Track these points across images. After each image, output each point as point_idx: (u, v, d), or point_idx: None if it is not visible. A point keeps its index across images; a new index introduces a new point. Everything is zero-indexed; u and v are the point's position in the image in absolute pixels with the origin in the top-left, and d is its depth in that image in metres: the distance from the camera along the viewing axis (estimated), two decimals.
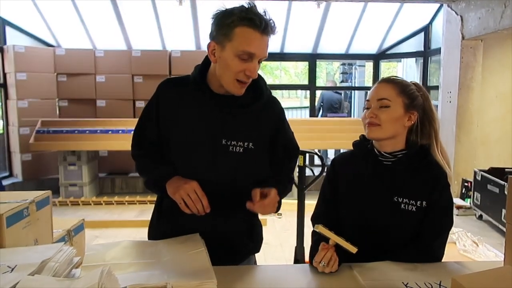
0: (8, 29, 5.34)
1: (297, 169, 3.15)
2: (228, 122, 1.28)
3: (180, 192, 1.19)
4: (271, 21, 1.20)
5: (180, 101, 1.31)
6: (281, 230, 4.11)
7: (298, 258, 2.88)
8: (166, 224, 1.35)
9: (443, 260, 1.32)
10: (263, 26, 1.17)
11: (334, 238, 1.20)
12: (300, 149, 3.06)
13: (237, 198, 1.24)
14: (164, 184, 1.25)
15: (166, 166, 1.30)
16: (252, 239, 1.42)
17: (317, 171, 3.13)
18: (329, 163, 2.16)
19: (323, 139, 5.33)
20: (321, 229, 1.21)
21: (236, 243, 1.36)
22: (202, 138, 1.27)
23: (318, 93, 6.90)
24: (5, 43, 5.27)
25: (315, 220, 1.43)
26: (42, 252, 1.12)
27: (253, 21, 1.16)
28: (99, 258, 1.12)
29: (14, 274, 0.99)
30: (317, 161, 6.31)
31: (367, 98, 1.34)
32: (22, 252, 1.16)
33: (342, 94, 7.41)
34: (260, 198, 1.21)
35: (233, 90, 1.23)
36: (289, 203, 4.75)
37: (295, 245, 2.94)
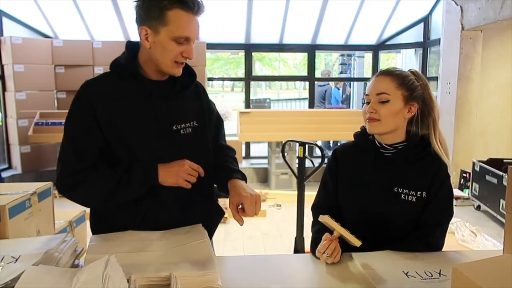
0: (5, 20, 5.29)
1: (297, 160, 3.16)
2: (174, 107, 1.27)
3: (181, 177, 1.20)
4: (201, 1, 1.19)
5: (117, 99, 1.22)
6: (281, 221, 4.13)
7: (298, 249, 2.90)
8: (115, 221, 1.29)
9: (443, 250, 1.34)
10: (196, 8, 1.16)
11: (339, 230, 1.21)
12: (300, 140, 3.08)
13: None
14: (155, 178, 1.19)
15: (134, 164, 1.21)
16: (209, 223, 1.39)
17: (316, 162, 3.14)
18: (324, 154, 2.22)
19: (322, 130, 5.34)
20: (327, 219, 1.22)
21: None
22: (152, 128, 1.24)
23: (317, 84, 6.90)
24: (2, 34, 5.22)
25: (315, 209, 1.44)
26: (45, 243, 1.13)
27: (186, 4, 1.15)
28: (102, 248, 1.12)
29: (18, 264, 1.00)
30: (316, 152, 6.32)
31: (366, 93, 1.33)
32: (25, 242, 1.17)
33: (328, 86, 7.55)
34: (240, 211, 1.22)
35: (173, 72, 1.23)
36: (288, 194, 4.80)
37: (295, 235, 2.96)
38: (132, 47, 1.28)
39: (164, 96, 1.26)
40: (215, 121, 1.44)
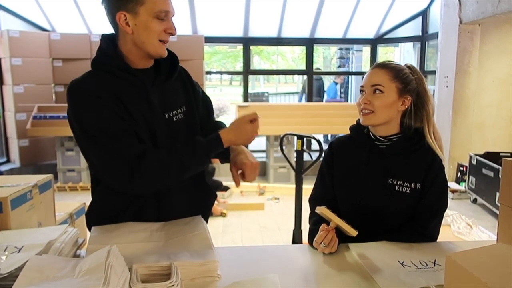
0: (2, 14, 5.27)
1: (295, 154, 3.18)
2: (163, 95, 1.26)
3: (253, 134, 1.26)
4: None
5: (112, 93, 1.17)
6: (279, 214, 4.16)
7: (296, 241, 2.93)
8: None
9: (437, 241, 1.36)
10: None
11: (336, 220, 1.23)
12: (298, 133, 3.09)
13: None
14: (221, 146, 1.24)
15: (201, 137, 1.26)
16: (203, 205, 1.42)
17: (314, 156, 3.16)
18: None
19: (320, 124, 5.36)
20: (324, 210, 1.24)
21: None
22: (149, 118, 1.22)
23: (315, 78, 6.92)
24: None
25: (312, 202, 1.46)
26: (47, 234, 1.15)
27: None
28: (103, 239, 1.14)
29: (21, 254, 1.02)
30: (314, 146, 6.35)
31: (361, 84, 1.35)
32: (28, 233, 1.19)
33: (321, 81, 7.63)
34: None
35: (160, 52, 1.21)
36: (287, 188, 4.82)
37: (293, 228, 2.99)
38: (109, 40, 1.25)
39: (153, 85, 1.24)
40: (203, 101, 1.43)
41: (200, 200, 1.41)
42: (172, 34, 1.21)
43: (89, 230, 1.28)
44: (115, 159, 1.13)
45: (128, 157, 1.13)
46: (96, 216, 1.29)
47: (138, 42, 1.19)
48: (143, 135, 1.20)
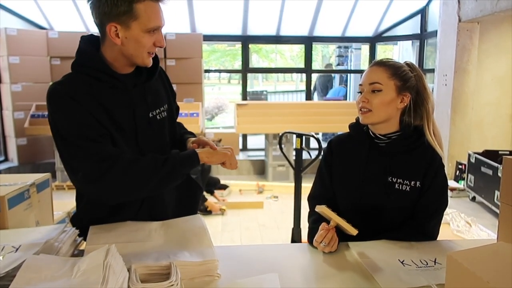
0: None
1: (294, 152, 3.18)
2: (146, 95, 1.27)
3: (226, 156, 1.25)
4: None
5: (95, 96, 1.16)
6: (278, 213, 4.16)
7: (295, 239, 2.93)
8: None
9: (437, 240, 1.36)
10: None
11: (336, 219, 1.22)
12: (297, 132, 3.08)
13: None
14: (197, 159, 1.23)
15: (175, 150, 1.27)
16: (190, 200, 1.44)
17: (313, 154, 3.15)
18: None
19: (319, 122, 5.36)
20: (324, 209, 1.24)
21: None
22: (132, 119, 1.23)
23: (314, 76, 6.93)
24: None
25: (312, 200, 1.45)
26: (45, 233, 1.14)
27: None
28: (102, 239, 1.13)
29: (19, 254, 1.01)
30: (313, 144, 6.34)
31: (360, 83, 1.35)
32: (25, 233, 1.18)
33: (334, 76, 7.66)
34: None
35: (146, 63, 1.22)
36: (286, 186, 4.82)
37: (292, 226, 2.98)
38: (90, 42, 1.23)
39: (135, 86, 1.24)
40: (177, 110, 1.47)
41: (188, 195, 1.41)
42: (161, 47, 1.21)
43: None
44: (88, 158, 1.11)
45: (102, 157, 1.12)
46: (82, 225, 1.26)
47: (126, 54, 1.19)
48: (126, 136, 1.20)
